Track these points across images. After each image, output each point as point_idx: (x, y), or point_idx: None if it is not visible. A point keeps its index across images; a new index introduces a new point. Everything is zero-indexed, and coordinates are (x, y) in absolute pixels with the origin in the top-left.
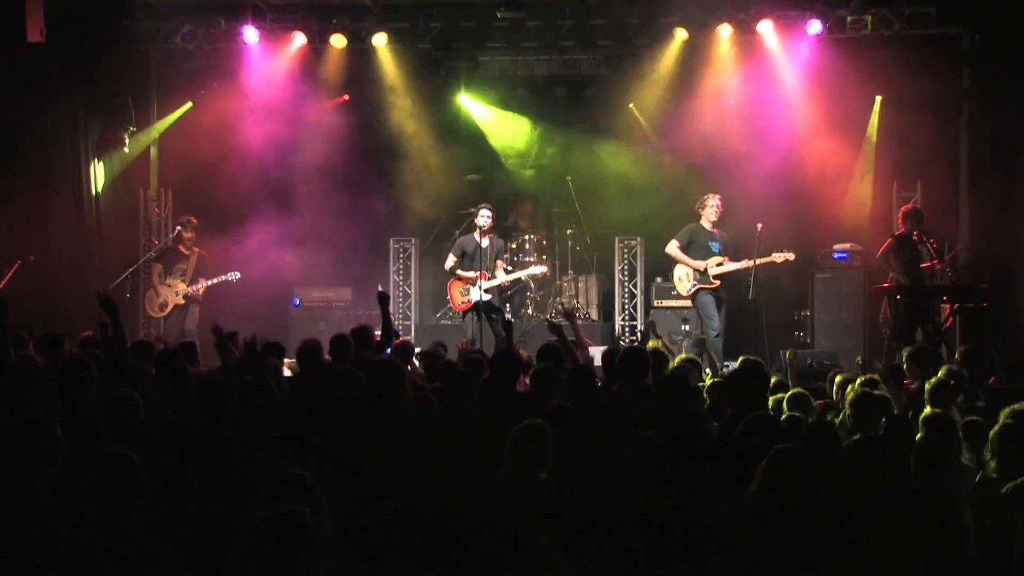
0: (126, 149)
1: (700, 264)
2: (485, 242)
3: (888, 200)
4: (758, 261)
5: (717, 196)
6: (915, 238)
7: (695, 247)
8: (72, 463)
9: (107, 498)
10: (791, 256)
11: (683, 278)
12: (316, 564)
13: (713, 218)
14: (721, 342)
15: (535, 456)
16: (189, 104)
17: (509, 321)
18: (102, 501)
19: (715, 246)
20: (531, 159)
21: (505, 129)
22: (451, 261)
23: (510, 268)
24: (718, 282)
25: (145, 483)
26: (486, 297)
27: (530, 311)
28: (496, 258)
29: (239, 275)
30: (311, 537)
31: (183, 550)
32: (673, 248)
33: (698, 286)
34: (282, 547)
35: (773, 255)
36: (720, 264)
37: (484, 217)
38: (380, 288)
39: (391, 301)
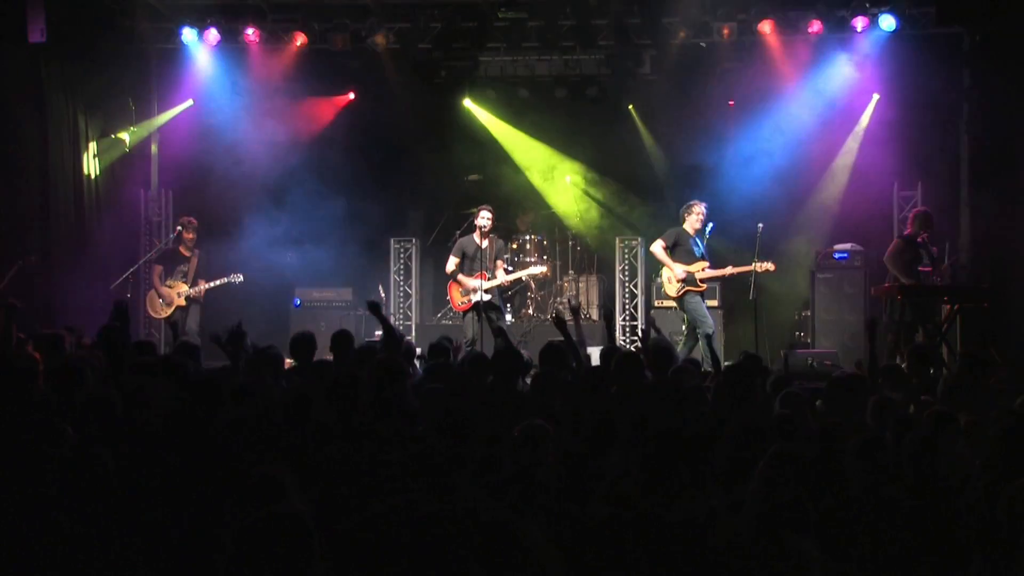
0: (127, 148)
1: (681, 270)
2: (485, 243)
3: (889, 200)
4: (737, 270)
5: (703, 204)
6: (920, 241)
7: (680, 250)
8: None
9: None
10: (771, 267)
11: (671, 279)
12: (314, 563)
13: (697, 225)
14: (711, 344)
15: (535, 457)
16: (190, 102)
17: (501, 328)
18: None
19: (698, 251)
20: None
21: (509, 140)
22: (452, 264)
23: (511, 268)
24: (704, 286)
25: (112, 482)
26: (486, 297)
27: (531, 311)
28: (496, 258)
29: (242, 277)
30: (309, 537)
31: (178, 549)
32: (658, 249)
33: (685, 288)
34: (280, 546)
35: (754, 265)
36: (704, 269)
37: (484, 218)
38: (379, 292)
39: (390, 302)
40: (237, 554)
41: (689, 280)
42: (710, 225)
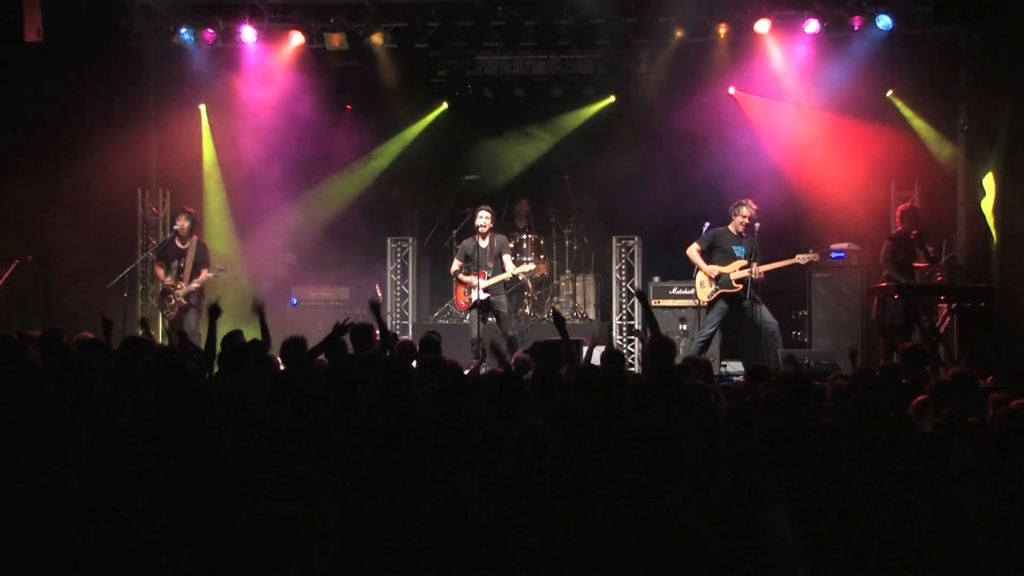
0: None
1: (714, 270)
2: (485, 242)
3: (887, 200)
4: (776, 265)
5: (752, 204)
6: (913, 237)
7: (718, 252)
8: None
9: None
10: (815, 257)
11: (704, 283)
12: (312, 564)
13: (741, 228)
14: (699, 348)
15: (535, 457)
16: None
17: (513, 337)
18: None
19: (740, 250)
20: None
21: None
22: (455, 265)
23: (523, 260)
24: (740, 287)
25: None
26: (483, 296)
27: (527, 310)
28: (498, 256)
29: (225, 270)
30: (307, 537)
31: (182, 550)
32: (691, 251)
33: (719, 291)
34: (278, 547)
35: (796, 257)
36: (743, 268)
37: (482, 218)
38: (376, 294)
39: (388, 302)
40: (238, 553)
41: (723, 281)
42: (756, 225)
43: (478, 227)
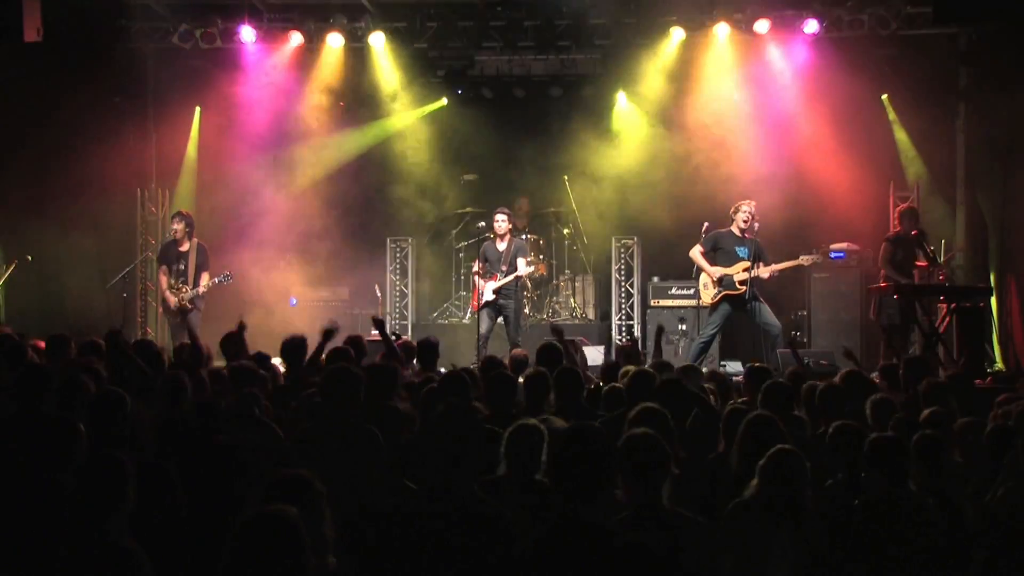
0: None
1: (717, 272)
2: (503, 245)
3: (885, 200)
4: (783, 266)
5: (751, 203)
6: (912, 237)
7: (721, 253)
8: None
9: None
10: (819, 258)
11: (708, 284)
12: (305, 564)
13: (743, 226)
14: (700, 349)
15: (530, 457)
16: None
17: (518, 344)
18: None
19: (742, 251)
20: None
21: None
22: (476, 266)
23: (531, 261)
24: (743, 287)
25: (131, 484)
26: (490, 297)
27: (527, 311)
28: (515, 256)
29: (230, 275)
30: (299, 537)
31: (178, 553)
32: (695, 253)
33: (723, 292)
34: (270, 547)
35: (800, 258)
36: (745, 270)
37: (500, 221)
38: (376, 292)
39: (387, 301)
40: (231, 554)
41: (726, 283)
42: (756, 225)
43: (495, 230)
